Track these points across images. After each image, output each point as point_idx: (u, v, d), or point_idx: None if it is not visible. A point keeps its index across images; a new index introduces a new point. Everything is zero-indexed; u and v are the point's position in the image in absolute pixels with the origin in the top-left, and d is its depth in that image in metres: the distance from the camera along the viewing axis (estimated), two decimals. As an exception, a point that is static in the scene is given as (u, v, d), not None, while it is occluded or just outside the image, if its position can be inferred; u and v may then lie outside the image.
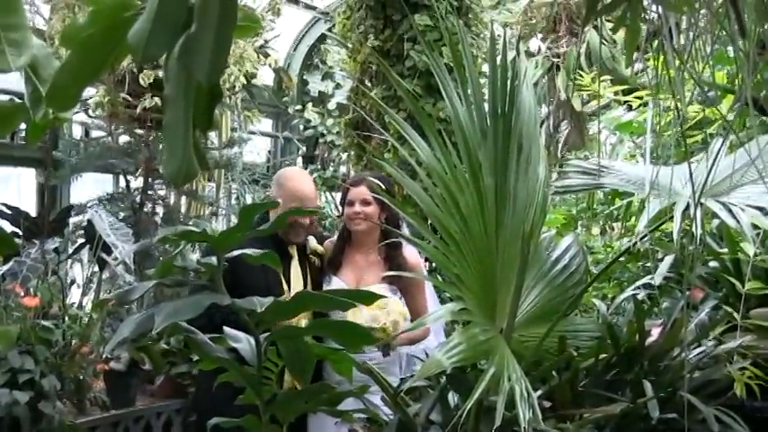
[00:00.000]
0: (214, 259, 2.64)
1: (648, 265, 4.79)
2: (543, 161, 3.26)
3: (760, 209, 2.89)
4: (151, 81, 6.43)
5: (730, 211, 2.86)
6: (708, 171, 2.81)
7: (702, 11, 1.69)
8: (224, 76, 6.61)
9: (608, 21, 7.11)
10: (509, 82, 3.12)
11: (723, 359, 3.49)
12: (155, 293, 5.87)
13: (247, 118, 7.86)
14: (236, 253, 2.68)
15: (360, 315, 4.34)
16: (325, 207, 10.59)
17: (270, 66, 7.58)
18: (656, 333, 3.63)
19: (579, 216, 7.22)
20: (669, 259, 4.23)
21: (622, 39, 9.77)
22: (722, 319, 3.78)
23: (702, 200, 2.90)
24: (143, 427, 5.55)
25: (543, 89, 10.86)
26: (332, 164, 11.87)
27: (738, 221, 2.84)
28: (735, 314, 3.75)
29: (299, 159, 12.43)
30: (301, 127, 11.99)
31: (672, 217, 2.98)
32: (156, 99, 6.46)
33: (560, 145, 11.09)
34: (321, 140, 11.92)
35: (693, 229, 2.89)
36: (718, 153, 2.90)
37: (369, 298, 2.91)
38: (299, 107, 11.64)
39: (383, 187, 4.64)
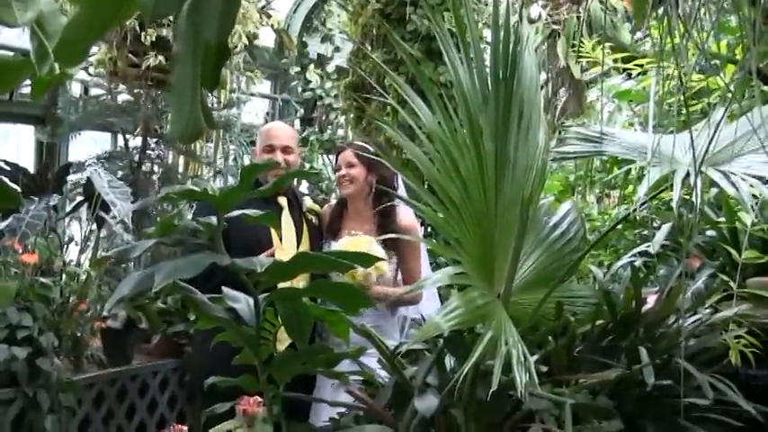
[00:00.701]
0: (214, 219, 2.65)
1: (645, 233, 4.81)
2: (543, 127, 3.26)
3: (760, 178, 2.90)
4: (153, 40, 6.41)
5: (730, 179, 2.86)
6: (709, 140, 2.81)
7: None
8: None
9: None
10: (511, 47, 3.12)
11: (719, 327, 3.51)
12: (152, 253, 5.89)
13: (249, 79, 7.85)
14: (235, 213, 2.69)
15: None
16: (322, 169, 10.61)
17: (272, 27, 7.55)
18: (652, 300, 3.65)
19: (577, 183, 7.23)
20: (666, 227, 4.24)
21: (623, 6, 9.77)
22: (718, 287, 3.79)
23: (702, 168, 2.90)
24: (139, 386, 5.58)
25: (543, 56, 10.83)
26: (330, 127, 11.86)
27: (738, 190, 2.85)
28: (731, 283, 3.77)
29: (297, 121, 12.41)
30: (300, 89, 11.97)
31: (671, 185, 2.98)
32: (160, 58, 6.44)
33: (558, 112, 11.07)
34: (319, 103, 11.91)
35: (693, 197, 2.89)
36: (719, 122, 2.89)
37: (369, 260, 2.93)
38: (298, 69, 11.62)
39: (370, 149, 4.70)
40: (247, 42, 6.81)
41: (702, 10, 1.96)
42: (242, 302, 2.85)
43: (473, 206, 2.98)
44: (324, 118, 11.93)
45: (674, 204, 2.85)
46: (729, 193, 2.88)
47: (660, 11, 2.28)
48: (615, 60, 6.27)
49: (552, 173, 7.08)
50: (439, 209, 2.97)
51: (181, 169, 8.15)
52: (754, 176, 2.87)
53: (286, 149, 4.90)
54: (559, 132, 3.94)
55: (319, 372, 3.32)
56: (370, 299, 3.18)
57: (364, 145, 4.88)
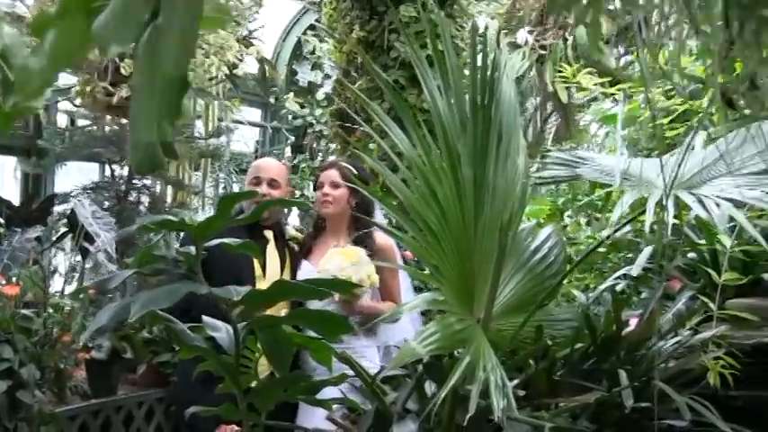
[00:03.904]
0: (193, 248, 2.66)
1: (630, 255, 4.82)
2: (523, 152, 3.28)
3: (732, 200, 2.91)
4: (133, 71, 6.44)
5: (702, 202, 2.88)
6: (678, 163, 2.83)
7: (667, 7, 1.71)
8: (204, 67, 6.64)
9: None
10: (489, 73, 3.15)
11: (698, 349, 3.52)
12: (139, 282, 5.89)
13: (227, 107, 7.88)
14: (215, 242, 2.70)
15: (329, 263, 4.50)
16: (313, 197, 10.62)
17: (254, 56, 7.58)
18: (634, 323, 3.66)
19: (565, 207, 7.23)
20: (648, 250, 4.26)
21: (608, 31, 9.82)
22: (698, 309, 3.80)
23: (677, 192, 2.92)
24: (124, 417, 5.54)
25: (531, 81, 10.90)
26: (320, 154, 11.89)
27: (711, 213, 2.87)
28: (711, 304, 3.78)
29: (288, 149, 12.45)
30: (290, 117, 12.02)
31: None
32: (136, 89, 6.47)
33: (550, 137, 11.13)
34: (310, 130, 11.95)
35: (666, 219, 2.91)
36: (688, 146, 2.92)
37: (348, 287, 2.94)
38: (287, 97, 11.68)
39: (354, 172, 4.69)
40: (228, 72, 6.83)
41: (671, 34, 1.98)
42: (222, 331, 2.85)
43: (451, 232, 3.00)
44: (314, 145, 11.97)
45: (646, 227, 2.87)
46: (701, 216, 2.90)
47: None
48: (603, 84, 6.30)
49: (540, 197, 7.09)
50: (417, 235, 2.98)
51: (169, 199, 8.16)
52: (726, 199, 2.89)
53: (272, 183, 4.91)
54: (541, 157, 3.95)
55: (301, 399, 3.31)
56: (350, 322, 3.22)
57: (349, 167, 4.85)
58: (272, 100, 11.59)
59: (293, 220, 10.60)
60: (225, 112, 8.06)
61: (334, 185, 4.86)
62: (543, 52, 10.47)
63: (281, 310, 4.12)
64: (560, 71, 8.84)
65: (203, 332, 2.86)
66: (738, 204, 3.06)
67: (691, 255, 4.45)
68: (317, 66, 11.89)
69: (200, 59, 6.42)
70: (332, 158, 10.09)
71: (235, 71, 7.17)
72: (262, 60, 8.17)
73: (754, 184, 2.89)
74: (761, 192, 2.83)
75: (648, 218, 2.88)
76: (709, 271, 4.02)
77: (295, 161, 11.59)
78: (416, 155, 3.03)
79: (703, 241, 4.30)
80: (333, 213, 4.90)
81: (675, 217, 4.04)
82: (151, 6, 1.26)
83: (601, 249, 4.95)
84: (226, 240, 2.73)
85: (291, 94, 11.59)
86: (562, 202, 7.19)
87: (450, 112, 3.09)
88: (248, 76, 8.72)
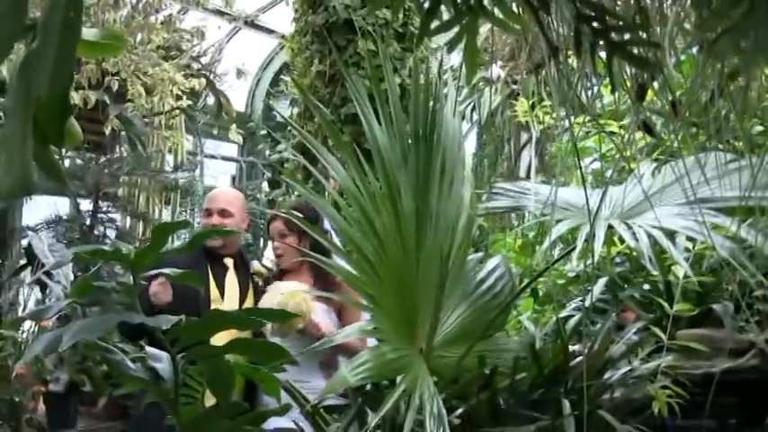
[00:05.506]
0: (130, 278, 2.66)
1: (591, 288, 4.82)
2: (468, 183, 3.30)
3: (664, 230, 2.91)
4: (92, 106, 6.44)
5: (632, 232, 2.89)
6: (602, 193, 2.85)
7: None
8: (142, 100, 6.62)
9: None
10: (430, 105, 3.17)
11: (646, 378, 3.52)
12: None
13: (165, 139, 7.86)
14: (154, 272, 2.70)
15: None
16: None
17: (196, 88, 7.55)
18: (587, 354, 3.67)
19: (537, 240, 7.22)
20: (602, 282, 4.27)
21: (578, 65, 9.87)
22: (647, 339, 3.81)
23: (611, 221, 2.94)
24: (82, 450, 5.53)
25: (505, 115, 10.97)
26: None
27: (640, 242, 2.88)
28: (661, 335, 3.79)
29: (265, 183, 12.47)
30: (267, 152, 12.04)
31: (585, 239, 3.01)
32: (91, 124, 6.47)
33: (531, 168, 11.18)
34: (286, 165, 11.97)
35: (596, 248, 2.91)
36: (611, 177, 2.95)
37: (283, 317, 2.93)
38: (264, 132, 11.70)
39: (299, 215, 4.60)
40: (173, 104, 6.83)
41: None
42: (164, 361, 2.84)
43: (390, 262, 3.00)
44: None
45: (575, 257, 2.88)
46: (630, 245, 2.91)
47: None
48: (575, 118, 6.32)
49: (510, 229, 7.10)
50: (352, 265, 2.99)
51: (141, 233, 8.16)
52: (658, 228, 2.89)
53: (223, 212, 4.91)
54: (490, 188, 3.96)
55: (248, 430, 3.30)
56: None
57: (293, 212, 4.75)
58: (215, 131, 11.54)
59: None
60: (163, 144, 8.00)
61: (282, 236, 4.84)
62: (515, 87, 10.53)
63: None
64: (533, 105, 8.89)
65: (145, 362, 2.85)
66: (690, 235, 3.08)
67: (646, 286, 4.47)
68: (294, 102, 11.93)
69: (137, 92, 6.42)
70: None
71: (180, 104, 7.14)
72: (217, 93, 8.15)
73: (688, 213, 2.90)
74: (692, 221, 2.84)
75: (579, 247, 2.89)
76: (661, 301, 4.03)
77: (271, 196, 11.59)
78: (353, 185, 3.04)
79: (657, 272, 4.31)
80: (289, 264, 4.86)
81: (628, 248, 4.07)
82: (22, 29, 1.28)
83: (560, 281, 4.98)
84: (166, 271, 2.73)
85: (234, 125, 11.58)
86: (533, 234, 7.19)
87: (389, 144, 3.10)
88: (197, 109, 8.67)
